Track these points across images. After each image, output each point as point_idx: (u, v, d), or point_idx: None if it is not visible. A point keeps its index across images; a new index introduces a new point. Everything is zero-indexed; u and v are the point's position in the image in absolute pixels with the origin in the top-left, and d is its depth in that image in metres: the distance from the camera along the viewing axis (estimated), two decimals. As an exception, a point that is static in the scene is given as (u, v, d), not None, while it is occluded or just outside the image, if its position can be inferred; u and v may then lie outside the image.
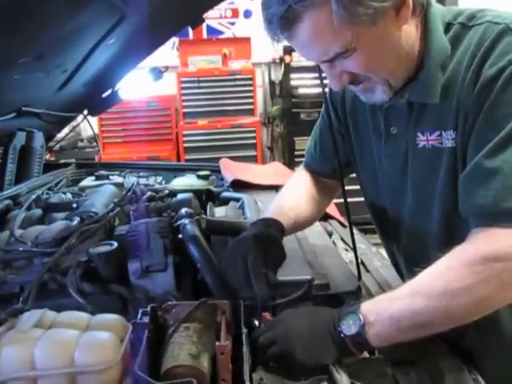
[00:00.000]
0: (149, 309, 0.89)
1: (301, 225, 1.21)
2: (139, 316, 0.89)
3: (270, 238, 1.03)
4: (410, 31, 0.90)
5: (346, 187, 1.19)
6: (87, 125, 2.49)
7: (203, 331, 0.89)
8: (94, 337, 0.79)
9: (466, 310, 0.81)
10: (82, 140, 4.97)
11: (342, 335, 0.84)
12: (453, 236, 0.92)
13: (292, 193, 1.25)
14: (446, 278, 0.81)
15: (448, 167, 0.94)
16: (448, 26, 0.93)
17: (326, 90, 1.17)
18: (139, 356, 0.79)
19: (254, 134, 5.06)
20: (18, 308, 0.86)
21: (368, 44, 0.83)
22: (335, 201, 2.01)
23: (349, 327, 0.84)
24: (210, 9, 2.26)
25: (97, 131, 4.71)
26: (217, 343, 0.83)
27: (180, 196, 1.58)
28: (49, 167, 2.30)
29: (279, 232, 1.07)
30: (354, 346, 0.84)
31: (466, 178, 0.88)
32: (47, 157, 3.42)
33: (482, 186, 0.83)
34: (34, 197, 1.70)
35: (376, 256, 1.44)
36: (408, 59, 0.92)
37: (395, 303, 0.83)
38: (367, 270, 1.30)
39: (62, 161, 3.56)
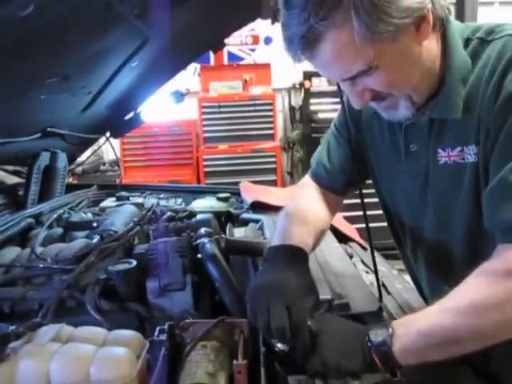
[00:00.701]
0: (166, 326, 0.88)
1: (314, 248, 1.16)
2: (156, 333, 0.88)
3: (310, 283, 0.96)
4: (430, 47, 0.89)
5: (367, 212, 1.17)
6: (109, 148, 2.52)
7: (221, 350, 0.87)
8: (110, 352, 0.79)
9: (496, 327, 0.78)
10: (104, 164, 5.06)
11: (369, 344, 0.83)
12: (477, 252, 0.90)
13: (311, 213, 1.17)
14: (474, 295, 0.79)
15: (470, 182, 0.93)
16: (467, 42, 0.93)
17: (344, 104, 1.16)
18: (156, 373, 0.78)
19: (274, 159, 5.08)
20: (37, 322, 0.86)
21: (390, 61, 0.83)
22: (356, 225, 2.00)
23: (376, 336, 0.83)
24: (230, 34, 2.30)
25: (119, 155, 4.78)
26: (234, 362, 0.82)
27: (199, 216, 1.58)
28: (71, 188, 2.33)
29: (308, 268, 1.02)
30: (378, 356, 0.82)
31: (490, 192, 0.86)
32: (69, 179, 3.48)
33: (507, 200, 0.82)
34: (55, 216, 1.72)
35: (397, 279, 1.41)
36: (430, 75, 0.91)
37: (425, 319, 0.82)
38: (388, 292, 1.27)
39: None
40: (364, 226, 1.22)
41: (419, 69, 0.88)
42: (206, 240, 1.26)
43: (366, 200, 1.18)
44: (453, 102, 0.91)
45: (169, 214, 1.71)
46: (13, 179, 2.16)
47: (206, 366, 0.81)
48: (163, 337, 0.86)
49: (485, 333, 0.78)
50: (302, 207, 1.17)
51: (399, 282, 1.38)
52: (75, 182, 4.15)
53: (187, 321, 0.94)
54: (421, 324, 0.81)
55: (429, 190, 1.01)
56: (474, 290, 0.79)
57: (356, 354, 0.83)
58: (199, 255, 1.24)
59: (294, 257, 0.99)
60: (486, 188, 0.87)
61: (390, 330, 0.82)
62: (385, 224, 1.24)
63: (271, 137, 5.12)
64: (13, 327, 0.82)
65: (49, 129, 1.82)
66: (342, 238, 1.80)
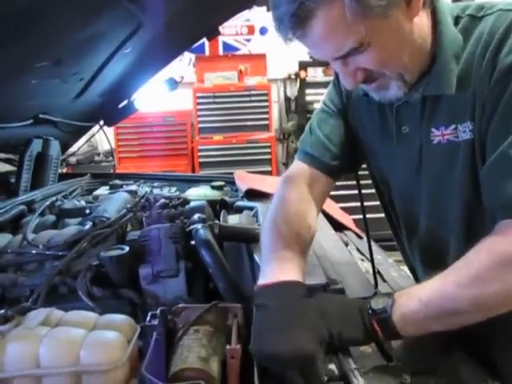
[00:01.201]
0: (158, 311, 0.87)
1: None
2: (148, 318, 0.87)
3: (316, 328, 0.83)
4: (421, 24, 0.89)
5: (364, 203, 1.16)
6: (104, 139, 2.48)
7: (213, 334, 0.86)
8: (101, 336, 0.77)
9: (496, 299, 0.78)
10: (98, 154, 5.04)
11: (370, 311, 0.83)
12: (474, 233, 0.89)
13: (302, 222, 1.05)
14: (475, 268, 0.79)
15: (465, 160, 0.91)
16: (457, 19, 0.92)
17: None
18: (147, 358, 0.77)
19: (269, 150, 5.07)
20: (26, 306, 0.84)
21: (382, 37, 0.82)
22: (353, 216, 1.99)
23: (377, 304, 0.84)
24: (225, 21, 2.27)
25: (113, 146, 4.75)
26: (227, 346, 0.81)
27: (193, 203, 1.57)
28: (64, 177, 2.30)
29: None
30: (378, 323, 0.82)
31: (490, 168, 0.85)
32: (64, 170, 3.44)
33: (508, 176, 0.81)
34: (48, 203, 1.70)
35: (393, 267, 1.40)
36: (421, 53, 0.90)
37: (426, 289, 0.82)
38: (384, 280, 1.27)
39: (78, 173, 3.58)
40: (361, 216, 1.20)
41: (410, 46, 0.87)
42: (199, 226, 1.24)
43: (363, 191, 1.19)
44: (445, 78, 0.90)
45: (162, 201, 1.69)
46: (4, 167, 2.13)
47: (199, 351, 0.81)
48: (155, 322, 0.85)
49: (485, 304, 0.79)
50: (291, 215, 1.05)
51: (395, 269, 1.37)
52: (70, 172, 4.13)
53: (179, 306, 0.93)
54: (422, 294, 0.82)
55: (422, 172, 1.00)
56: (474, 262, 0.80)
57: (357, 321, 0.83)
58: (192, 241, 1.23)
59: (296, 299, 0.88)
60: (484, 164, 0.86)
61: (392, 298, 0.83)
62: (382, 215, 1.22)
63: (266, 127, 5.10)
64: (1, 311, 0.80)
65: (41, 115, 1.80)
66: (338, 227, 1.80)
